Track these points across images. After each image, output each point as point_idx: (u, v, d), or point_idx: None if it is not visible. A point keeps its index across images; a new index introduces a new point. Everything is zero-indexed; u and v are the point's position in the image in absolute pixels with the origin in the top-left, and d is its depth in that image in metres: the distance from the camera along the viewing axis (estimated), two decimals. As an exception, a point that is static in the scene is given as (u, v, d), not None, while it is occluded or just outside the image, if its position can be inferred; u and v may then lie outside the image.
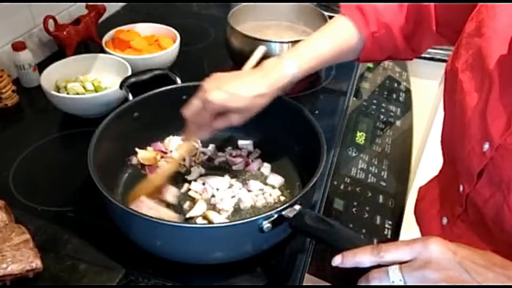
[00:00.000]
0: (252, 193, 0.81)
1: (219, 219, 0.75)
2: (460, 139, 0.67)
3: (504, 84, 0.60)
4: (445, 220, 0.78)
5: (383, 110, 1.14)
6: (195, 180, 0.83)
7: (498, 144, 0.60)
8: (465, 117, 0.65)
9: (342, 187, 0.88)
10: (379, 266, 0.52)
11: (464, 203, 0.70)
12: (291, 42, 1.03)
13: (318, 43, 0.79)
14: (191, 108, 0.75)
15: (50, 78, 0.99)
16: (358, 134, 1.03)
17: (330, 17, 1.10)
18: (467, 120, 0.65)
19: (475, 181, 0.65)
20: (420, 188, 0.94)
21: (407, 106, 1.20)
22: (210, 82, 0.73)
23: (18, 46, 1.04)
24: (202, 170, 0.85)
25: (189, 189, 0.81)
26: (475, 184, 0.66)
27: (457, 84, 0.67)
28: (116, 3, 1.45)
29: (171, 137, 0.90)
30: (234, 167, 0.86)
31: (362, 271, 0.53)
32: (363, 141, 1.01)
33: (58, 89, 1.00)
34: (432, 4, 0.77)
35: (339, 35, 0.80)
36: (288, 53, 0.78)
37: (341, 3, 0.84)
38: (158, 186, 0.79)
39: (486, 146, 0.62)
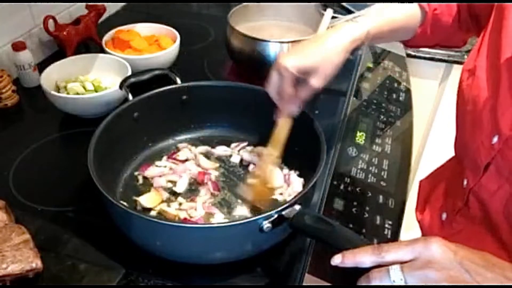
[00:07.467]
0: None
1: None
2: (471, 135, 0.69)
3: None
4: (444, 216, 0.78)
5: (383, 110, 1.14)
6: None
7: (507, 136, 0.62)
8: (476, 113, 0.67)
9: (342, 187, 0.88)
10: (379, 266, 0.52)
11: (466, 197, 0.71)
12: (291, 42, 1.03)
13: (388, 9, 0.83)
14: (271, 81, 0.75)
15: (50, 78, 0.99)
16: (358, 134, 1.03)
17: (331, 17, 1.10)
18: (477, 115, 0.67)
19: (481, 174, 0.67)
20: (421, 181, 0.95)
21: (407, 106, 1.20)
22: (282, 53, 0.75)
23: (18, 46, 1.04)
24: None
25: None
26: (480, 178, 0.67)
27: (474, 81, 0.68)
28: (116, 3, 1.45)
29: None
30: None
31: (362, 271, 0.53)
32: (363, 141, 1.01)
33: (58, 89, 1.00)
34: None
35: (405, 7, 0.85)
36: (360, 15, 0.80)
37: None
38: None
39: (495, 139, 0.63)
